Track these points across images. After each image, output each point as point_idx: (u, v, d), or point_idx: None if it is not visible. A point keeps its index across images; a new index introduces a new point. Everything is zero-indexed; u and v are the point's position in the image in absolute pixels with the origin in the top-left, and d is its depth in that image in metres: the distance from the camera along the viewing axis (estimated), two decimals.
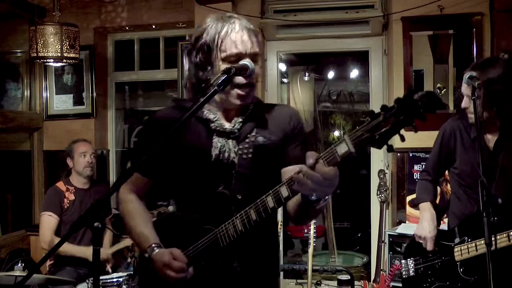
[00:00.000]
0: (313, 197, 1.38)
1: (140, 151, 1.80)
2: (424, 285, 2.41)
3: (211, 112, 1.63)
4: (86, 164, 3.60)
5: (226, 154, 1.60)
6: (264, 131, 1.64)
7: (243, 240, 1.52)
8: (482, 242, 2.17)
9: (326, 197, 1.43)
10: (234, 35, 1.56)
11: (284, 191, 1.41)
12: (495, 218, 2.20)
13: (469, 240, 2.28)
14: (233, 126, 1.62)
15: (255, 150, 1.61)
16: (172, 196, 1.76)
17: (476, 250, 2.23)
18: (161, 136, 1.42)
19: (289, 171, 1.56)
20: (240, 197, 1.57)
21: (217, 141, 1.61)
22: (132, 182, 1.71)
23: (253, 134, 1.63)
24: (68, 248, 3.36)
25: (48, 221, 3.48)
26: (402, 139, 1.25)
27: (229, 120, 1.64)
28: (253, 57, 1.57)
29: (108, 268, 3.55)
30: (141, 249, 1.64)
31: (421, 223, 2.45)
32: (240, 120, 1.63)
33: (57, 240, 3.38)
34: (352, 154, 1.26)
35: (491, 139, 2.36)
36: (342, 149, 1.27)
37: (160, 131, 1.53)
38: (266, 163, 1.62)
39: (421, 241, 2.42)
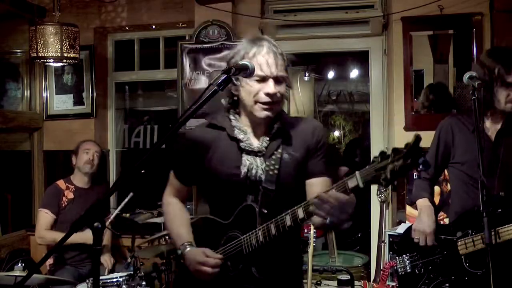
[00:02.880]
0: (327, 222, 1.50)
1: (176, 162, 1.96)
2: (426, 281, 2.39)
3: (241, 132, 1.79)
4: (87, 161, 3.63)
5: (254, 171, 1.75)
6: (289, 147, 1.77)
7: (263, 250, 1.68)
8: (507, 229, 2.18)
9: (344, 224, 1.53)
10: (261, 58, 1.70)
11: (300, 213, 1.57)
12: (499, 210, 2.20)
13: (473, 233, 2.26)
14: (261, 145, 1.77)
15: (280, 166, 1.74)
16: (207, 201, 1.92)
17: (483, 242, 2.18)
18: (194, 152, 1.79)
19: (312, 183, 1.76)
20: (266, 211, 1.71)
21: (246, 159, 1.76)
22: (174, 187, 1.97)
23: (279, 151, 1.76)
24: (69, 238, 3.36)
25: (43, 218, 3.51)
26: (394, 189, 1.39)
27: (257, 138, 1.80)
28: (278, 79, 1.71)
29: (106, 272, 3.54)
30: (176, 246, 1.84)
31: (420, 217, 2.44)
32: (267, 138, 1.78)
33: (52, 234, 3.42)
34: (360, 188, 1.42)
35: (491, 128, 2.35)
36: (352, 183, 1.43)
37: (193, 147, 1.83)
38: (291, 179, 1.75)
39: (419, 237, 2.40)
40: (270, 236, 1.65)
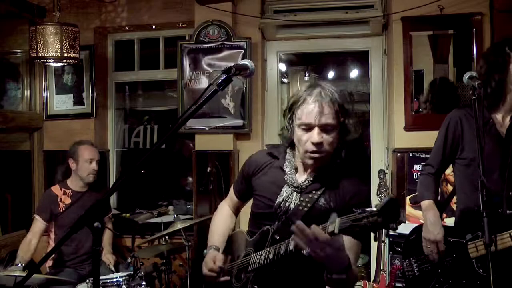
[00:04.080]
0: (304, 252, 1.55)
1: (238, 177, 2.16)
2: (436, 285, 2.33)
3: (288, 165, 1.90)
4: (91, 171, 3.54)
5: (287, 204, 1.84)
6: (328, 196, 1.83)
7: (266, 271, 1.81)
8: (503, 237, 2.14)
9: (337, 271, 1.59)
10: (307, 106, 1.77)
11: (291, 245, 1.65)
12: (509, 212, 2.17)
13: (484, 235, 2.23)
14: (303, 182, 1.85)
15: (312, 207, 1.81)
16: (251, 216, 2.04)
17: (496, 246, 2.13)
18: (249, 171, 2.00)
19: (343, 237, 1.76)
20: (278, 238, 1.80)
21: (285, 191, 1.86)
22: (231, 198, 2.20)
23: (319, 193, 1.83)
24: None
25: (34, 224, 3.49)
26: (375, 239, 1.44)
27: (303, 173, 1.88)
28: (324, 128, 1.76)
29: (109, 261, 3.53)
30: (207, 246, 2.07)
31: (427, 226, 2.37)
32: (311, 178, 1.85)
33: (31, 242, 3.44)
34: (335, 234, 1.49)
35: (502, 122, 2.29)
36: (331, 228, 1.50)
37: (249, 168, 2.02)
38: (316, 222, 1.75)
39: (431, 247, 2.34)
40: (268, 260, 1.76)
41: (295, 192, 1.85)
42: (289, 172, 1.88)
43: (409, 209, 3.49)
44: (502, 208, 2.20)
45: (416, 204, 2.64)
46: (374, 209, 1.41)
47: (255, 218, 1.98)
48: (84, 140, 3.73)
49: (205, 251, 2.05)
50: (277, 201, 1.86)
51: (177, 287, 3.93)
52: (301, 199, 1.83)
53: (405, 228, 3.26)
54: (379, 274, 3.29)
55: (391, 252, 3.23)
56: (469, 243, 2.26)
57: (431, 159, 2.51)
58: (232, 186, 2.19)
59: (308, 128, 1.77)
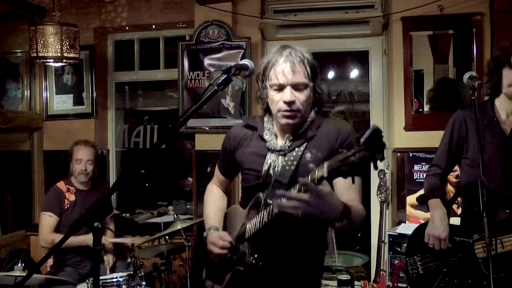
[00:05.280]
0: (298, 215, 1.52)
1: (220, 156, 2.15)
2: (441, 284, 2.32)
3: (268, 132, 1.92)
4: (80, 171, 3.56)
5: (275, 170, 1.85)
6: (313, 148, 1.84)
7: (262, 237, 1.79)
8: (510, 238, 2.13)
9: (336, 220, 1.59)
10: (278, 67, 1.79)
11: (275, 208, 1.65)
12: (508, 211, 2.16)
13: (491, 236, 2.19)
14: (284, 144, 1.87)
15: (299, 163, 1.81)
16: (242, 190, 2.06)
17: (503, 247, 2.13)
18: (230, 148, 1.99)
19: (335, 182, 1.78)
20: (270, 202, 1.77)
21: (269, 158, 1.88)
22: (217, 177, 2.19)
23: (301, 149, 1.84)
24: (69, 241, 3.34)
25: (48, 221, 3.47)
26: (375, 167, 1.40)
27: (283, 136, 1.89)
28: (296, 87, 1.78)
29: (108, 262, 3.52)
30: (205, 228, 2.06)
31: (433, 221, 2.36)
32: (291, 138, 1.87)
33: (57, 237, 3.37)
34: (324, 177, 1.47)
35: (508, 123, 2.28)
36: (319, 173, 1.48)
37: (229, 144, 2.01)
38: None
39: (433, 242, 2.33)
40: (262, 223, 1.74)
41: (280, 156, 1.86)
42: (269, 139, 1.90)
43: (409, 209, 3.49)
44: (505, 207, 2.20)
45: (422, 203, 2.61)
46: (359, 143, 1.38)
47: (247, 192, 1.98)
48: (81, 140, 3.72)
49: (204, 233, 2.03)
50: (263, 170, 1.87)
51: (177, 287, 3.92)
52: (286, 159, 1.84)
53: (405, 228, 3.27)
54: (379, 274, 3.29)
55: (391, 252, 3.23)
56: (476, 243, 2.25)
57: (437, 160, 2.50)
58: (216, 165, 2.18)
59: (280, 88, 1.79)
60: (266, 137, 1.91)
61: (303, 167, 1.79)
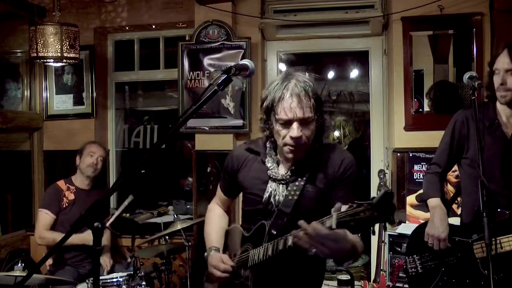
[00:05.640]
0: (310, 253, 1.56)
1: (222, 175, 2.18)
2: (439, 283, 2.32)
3: (270, 160, 1.93)
4: (90, 164, 3.60)
5: (276, 198, 1.88)
6: (314, 178, 1.86)
7: (264, 267, 1.83)
8: (508, 239, 2.14)
9: (343, 260, 1.67)
10: (285, 102, 1.77)
11: (289, 241, 1.66)
12: (508, 212, 2.16)
13: None
14: (285, 173, 1.88)
15: (301, 194, 1.84)
16: (243, 211, 2.08)
17: (502, 247, 2.14)
18: (233, 168, 2.01)
19: None
20: (275, 233, 1.82)
21: (270, 186, 1.90)
22: (218, 196, 2.21)
23: (304, 179, 1.85)
24: (69, 239, 3.34)
25: (44, 218, 3.49)
26: (373, 233, 1.48)
27: (285, 166, 1.90)
28: (303, 121, 1.78)
29: (106, 266, 3.52)
30: (206, 248, 2.07)
31: (433, 221, 2.36)
32: (293, 168, 1.88)
33: (56, 236, 3.38)
34: (333, 228, 1.48)
35: (509, 125, 2.29)
36: (328, 223, 1.50)
37: (232, 165, 2.03)
38: (312, 207, 1.81)
39: (432, 242, 2.33)
40: (267, 256, 1.78)
41: (280, 185, 1.88)
42: (271, 167, 1.91)
43: (409, 209, 3.49)
44: (504, 208, 2.20)
45: (422, 202, 2.61)
46: (371, 202, 1.41)
47: (248, 215, 2.01)
48: (95, 141, 3.84)
49: (205, 253, 2.05)
50: (264, 198, 1.89)
51: (177, 287, 3.93)
52: (288, 189, 1.85)
53: (405, 228, 3.27)
54: (379, 274, 3.29)
55: (391, 252, 3.23)
56: (475, 243, 2.25)
57: (437, 159, 2.50)
58: (218, 185, 2.20)
59: (287, 123, 1.78)
60: (268, 164, 1.92)
61: (305, 198, 1.83)
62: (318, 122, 1.83)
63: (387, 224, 1.41)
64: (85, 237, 3.32)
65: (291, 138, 1.78)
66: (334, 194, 1.83)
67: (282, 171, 1.90)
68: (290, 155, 1.83)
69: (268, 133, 1.90)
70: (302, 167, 1.87)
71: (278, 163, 1.92)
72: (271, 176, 1.90)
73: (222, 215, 2.22)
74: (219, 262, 1.93)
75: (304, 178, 1.85)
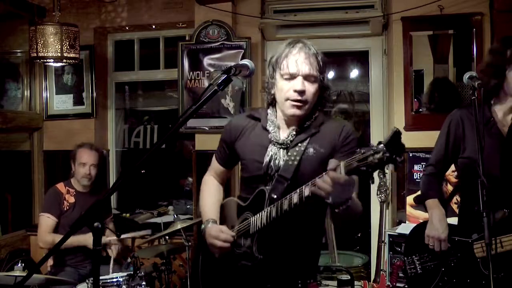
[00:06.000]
0: (328, 201, 1.58)
1: (219, 145, 2.13)
2: (439, 283, 2.31)
3: (272, 124, 1.92)
4: (84, 175, 3.55)
5: (277, 162, 1.87)
6: (315, 143, 1.87)
7: (268, 231, 1.81)
8: (509, 238, 2.13)
9: (343, 203, 1.65)
10: (291, 57, 1.81)
11: (306, 191, 1.65)
12: (507, 210, 2.16)
13: None
14: (287, 138, 1.88)
15: (302, 158, 1.84)
16: (241, 181, 2.06)
17: (502, 246, 2.13)
18: (231, 137, 1.98)
19: None
20: (275, 197, 1.81)
21: (270, 150, 1.89)
22: (213, 168, 2.17)
23: (304, 144, 1.86)
24: (68, 241, 3.33)
25: (46, 222, 3.47)
26: (395, 168, 1.51)
27: (286, 129, 1.90)
28: (308, 78, 1.81)
29: (112, 253, 3.46)
30: (203, 221, 2.05)
31: (432, 222, 2.35)
32: (294, 133, 1.88)
33: (56, 237, 3.37)
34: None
35: (503, 120, 2.28)
36: (338, 171, 1.52)
37: (230, 134, 2.01)
38: (311, 171, 1.79)
39: (433, 243, 2.32)
40: (271, 218, 1.77)
41: (281, 149, 1.87)
42: (272, 131, 1.90)
43: (409, 209, 3.49)
44: (505, 206, 2.20)
45: (420, 203, 2.60)
46: (380, 145, 1.41)
47: (247, 183, 1.98)
48: (86, 142, 3.70)
49: (202, 226, 2.02)
50: (264, 162, 1.88)
51: (177, 287, 3.93)
52: (289, 154, 1.85)
53: (405, 228, 3.27)
54: (379, 274, 3.29)
55: (391, 252, 3.23)
56: (475, 243, 2.25)
57: (433, 160, 2.50)
58: (214, 156, 2.16)
59: (292, 77, 1.80)
60: (269, 128, 1.92)
61: (305, 162, 1.83)
62: (322, 85, 1.86)
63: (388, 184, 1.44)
64: (86, 239, 3.32)
65: (295, 91, 1.79)
66: (336, 159, 1.81)
67: (283, 135, 1.90)
68: (291, 111, 1.83)
69: (271, 98, 1.92)
70: (302, 132, 1.88)
71: (279, 128, 1.92)
72: (272, 139, 1.89)
73: (218, 187, 2.18)
74: (218, 232, 1.92)
75: (305, 144, 1.85)
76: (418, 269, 2.40)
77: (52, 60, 3.59)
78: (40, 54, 3.48)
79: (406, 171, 3.53)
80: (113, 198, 4.52)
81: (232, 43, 3.84)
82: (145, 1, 4.20)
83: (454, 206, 3.07)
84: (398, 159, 1.39)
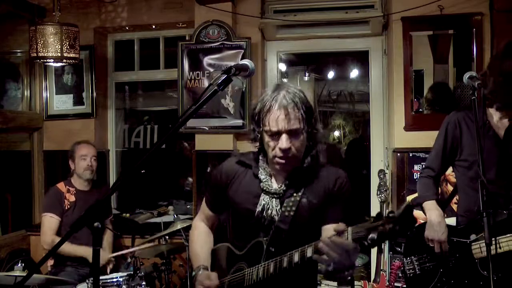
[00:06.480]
0: (329, 268, 1.54)
1: (208, 190, 2.10)
2: (438, 284, 2.32)
3: (263, 172, 1.87)
4: (86, 167, 3.58)
5: (269, 212, 1.82)
6: (309, 193, 1.82)
7: (261, 285, 1.75)
8: (509, 239, 2.13)
9: (344, 270, 1.58)
10: (273, 114, 1.74)
11: (309, 252, 1.61)
12: (506, 212, 2.16)
13: None
14: (279, 187, 1.84)
15: (297, 209, 1.80)
16: (232, 229, 2.07)
17: (500, 247, 2.13)
18: (222, 183, 1.93)
19: (327, 229, 1.75)
20: (273, 250, 1.77)
21: (263, 199, 1.84)
22: (204, 213, 2.10)
23: (299, 194, 1.82)
24: (68, 248, 3.35)
25: (49, 222, 3.47)
26: (380, 251, 1.43)
27: (278, 181, 1.86)
28: (292, 133, 1.74)
29: (109, 270, 3.53)
30: (193, 268, 2.00)
31: (431, 225, 2.35)
32: (287, 182, 1.84)
33: (58, 240, 3.36)
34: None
35: (499, 124, 2.29)
36: (344, 237, 1.49)
37: (221, 180, 1.95)
38: (306, 222, 1.78)
39: (433, 245, 2.32)
40: (268, 274, 1.72)
41: (273, 199, 1.83)
42: (264, 180, 1.86)
43: None
44: (502, 208, 2.20)
45: (418, 205, 2.62)
46: (392, 215, 1.39)
47: (238, 230, 1.96)
48: (82, 140, 3.76)
49: (193, 272, 1.98)
50: (256, 211, 1.83)
51: (177, 287, 3.93)
52: (284, 204, 1.81)
53: None
54: (379, 274, 3.29)
55: (391, 252, 3.23)
56: (473, 243, 2.25)
57: (431, 162, 2.51)
58: (203, 200, 2.11)
59: (276, 134, 1.75)
60: (261, 176, 1.87)
61: (301, 213, 1.80)
62: (308, 134, 1.80)
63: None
64: (86, 251, 3.33)
65: (280, 149, 1.75)
66: (327, 209, 1.81)
67: (275, 184, 1.86)
68: (279, 167, 1.80)
69: (259, 144, 1.87)
70: (296, 181, 1.83)
71: (271, 176, 1.87)
72: (265, 188, 1.84)
73: (208, 233, 2.12)
74: (206, 279, 1.88)
75: (300, 193, 1.81)
76: (417, 270, 2.40)
77: (52, 60, 3.59)
78: (40, 54, 3.48)
79: (406, 171, 3.53)
80: (113, 198, 4.52)
81: (232, 43, 3.84)
82: (145, 1, 4.20)
83: (454, 206, 3.07)
84: (406, 234, 1.39)
